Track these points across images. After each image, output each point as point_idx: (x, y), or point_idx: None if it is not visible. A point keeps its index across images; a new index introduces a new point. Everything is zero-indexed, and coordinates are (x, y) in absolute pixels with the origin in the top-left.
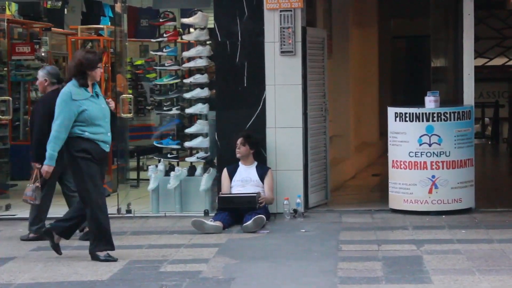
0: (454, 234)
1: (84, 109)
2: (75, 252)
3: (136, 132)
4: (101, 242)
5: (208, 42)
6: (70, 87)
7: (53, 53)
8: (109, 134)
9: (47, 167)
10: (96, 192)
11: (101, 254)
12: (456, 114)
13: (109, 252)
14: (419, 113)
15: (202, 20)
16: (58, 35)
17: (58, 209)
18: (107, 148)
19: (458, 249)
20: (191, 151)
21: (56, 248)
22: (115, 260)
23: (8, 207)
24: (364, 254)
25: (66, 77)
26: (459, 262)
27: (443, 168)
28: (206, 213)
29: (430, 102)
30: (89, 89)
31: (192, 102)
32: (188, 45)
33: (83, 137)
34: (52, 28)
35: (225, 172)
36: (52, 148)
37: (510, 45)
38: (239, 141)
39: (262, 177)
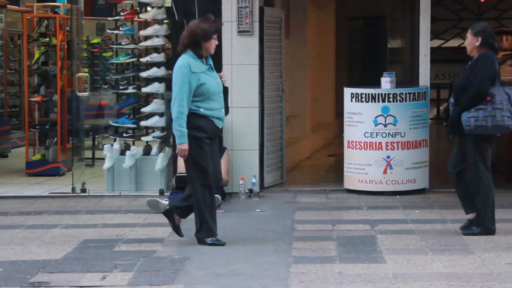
0: (408, 214)
1: (202, 83)
2: (28, 231)
3: (92, 111)
4: (208, 227)
5: (165, 21)
6: (188, 59)
7: (9, 31)
8: (223, 110)
9: (183, 145)
10: (205, 175)
11: (208, 239)
12: (411, 95)
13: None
14: (375, 94)
15: None
16: (13, 12)
17: None
18: (220, 124)
19: (411, 229)
20: (147, 130)
21: (177, 230)
22: (222, 244)
23: None
24: (318, 234)
25: (179, 49)
26: (412, 242)
27: (398, 149)
28: (161, 192)
29: (386, 83)
30: (204, 61)
31: (148, 81)
32: (145, 24)
33: (197, 114)
34: (7, 6)
35: None
36: (180, 124)
37: (466, 27)
38: None
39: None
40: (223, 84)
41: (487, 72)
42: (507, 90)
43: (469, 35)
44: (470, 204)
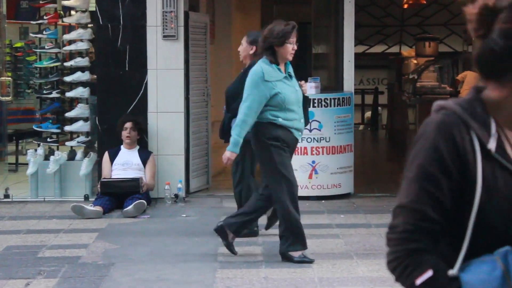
0: (333, 219)
1: (277, 92)
2: None
3: (15, 116)
4: (297, 241)
5: (89, 25)
6: (263, 66)
7: None
8: (302, 120)
9: (230, 153)
10: (290, 184)
11: (295, 254)
12: (336, 100)
13: (304, 252)
14: None
15: (83, 3)
16: None
17: None
18: (299, 136)
19: (336, 233)
20: (72, 135)
21: (231, 248)
22: (311, 261)
23: None
24: (244, 239)
25: (258, 53)
26: (337, 246)
27: (323, 154)
28: (86, 197)
29: (311, 88)
30: (281, 68)
31: (72, 85)
32: (69, 28)
33: (275, 123)
34: None
35: (106, 155)
36: (238, 133)
37: (390, 33)
38: (130, 125)
39: (144, 162)
40: (303, 93)
41: None
42: None
43: (244, 42)
44: None
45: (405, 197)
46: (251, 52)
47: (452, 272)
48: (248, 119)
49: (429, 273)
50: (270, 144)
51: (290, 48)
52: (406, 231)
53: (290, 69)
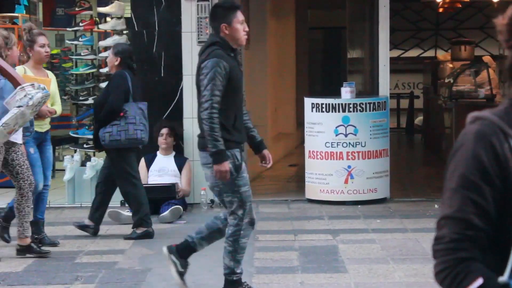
0: (369, 223)
1: None
2: None
3: (52, 122)
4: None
5: (125, 32)
6: None
7: None
8: None
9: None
10: None
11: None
12: (371, 105)
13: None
14: (335, 104)
15: (118, 9)
16: None
17: None
18: None
19: (373, 238)
20: None
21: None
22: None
23: None
24: (280, 244)
25: None
26: (373, 251)
27: (358, 159)
28: (122, 203)
29: (346, 93)
30: None
31: None
32: (105, 35)
33: None
34: None
35: (142, 161)
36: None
37: (425, 37)
38: (166, 131)
39: (180, 167)
40: None
41: (120, 89)
42: (140, 105)
43: (110, 54)
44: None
45: (449, 208)
46: (116, 63)
47: (503, 279)
48: None
49: (479, 281)
50: None
51: None
52: (453, 240)
53: None
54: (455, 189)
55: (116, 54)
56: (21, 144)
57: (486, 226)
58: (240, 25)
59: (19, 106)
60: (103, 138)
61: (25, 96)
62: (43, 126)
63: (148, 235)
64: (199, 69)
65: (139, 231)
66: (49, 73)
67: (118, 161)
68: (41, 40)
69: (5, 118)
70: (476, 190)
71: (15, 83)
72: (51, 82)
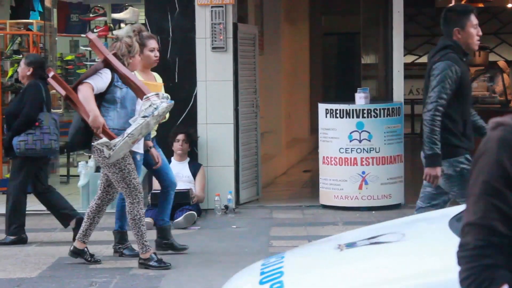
0: None
1: None
2: (3, 249)
3: (66, 128)
4: None
5: None
6: None
7: None
8: None
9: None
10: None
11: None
12: (385, 111)
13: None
14: (349, 110)
15: (133, 15)
16: None
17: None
18: None
19: None
20: None
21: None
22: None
23: None
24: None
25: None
26: None
27: (373, 164)
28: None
29: (360, 98)
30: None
31: None
32: None
33: None
34: None
35: None
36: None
37: None
38: (182, 137)
39: (194, 174)
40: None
41: (35, 99)
42: (54, 116)
43: (22, 64)
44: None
45: (473, 215)
46: (28, 73)
47: None
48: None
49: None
50: None
51: None
52: (478, 247)
53: None
54: (478, 195)
55: (29, 65)
56: (142, 153)
57: (510, 232)
58: (473, 30)
59: (144, 116)
60: (18, 147)
61: (150, 106)
62: (152, 133)
63: (22, 240)
64: (430, 70)
65: (13, 237)
66: (157, 76)
67: (21, 170)
68: (152, 43)
69: (130, 129)
70: (499, 196)
71: (139, 93)
72: (162, 87)
